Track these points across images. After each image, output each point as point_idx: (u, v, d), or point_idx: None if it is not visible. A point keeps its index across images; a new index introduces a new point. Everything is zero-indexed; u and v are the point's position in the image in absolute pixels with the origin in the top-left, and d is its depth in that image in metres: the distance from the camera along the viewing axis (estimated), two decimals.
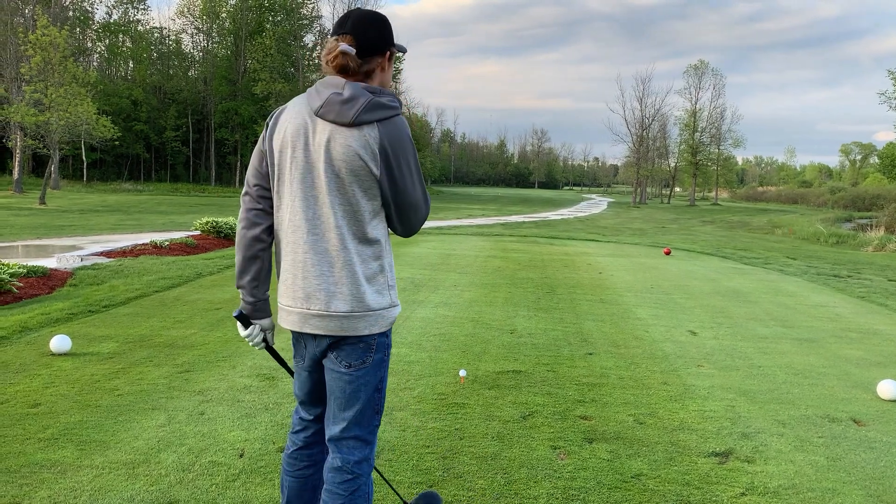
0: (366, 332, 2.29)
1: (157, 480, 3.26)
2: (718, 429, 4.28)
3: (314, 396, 2.50)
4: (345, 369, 2.33)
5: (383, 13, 2.34)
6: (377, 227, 2.29)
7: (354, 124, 2.18)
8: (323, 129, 2.21)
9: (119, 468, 3.38)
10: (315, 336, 2.32)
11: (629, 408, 4.62)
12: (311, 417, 2.54)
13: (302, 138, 2.25)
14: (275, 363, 4.94)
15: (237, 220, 2.48)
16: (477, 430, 4.10)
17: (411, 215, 2.35)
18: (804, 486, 3.51)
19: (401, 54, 2.43)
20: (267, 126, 2.37)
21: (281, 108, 2.39)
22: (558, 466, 3.61)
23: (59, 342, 5.37)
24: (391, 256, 2.38)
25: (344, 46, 2.23)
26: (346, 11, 2.36)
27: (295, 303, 2.31)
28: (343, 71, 2.26)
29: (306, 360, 2.43)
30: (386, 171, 2.22)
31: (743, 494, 3.37)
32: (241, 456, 3.58)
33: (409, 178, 2.28)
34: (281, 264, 2.37)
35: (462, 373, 5.07)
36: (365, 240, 2.27)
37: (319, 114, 2.22)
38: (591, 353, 6.07)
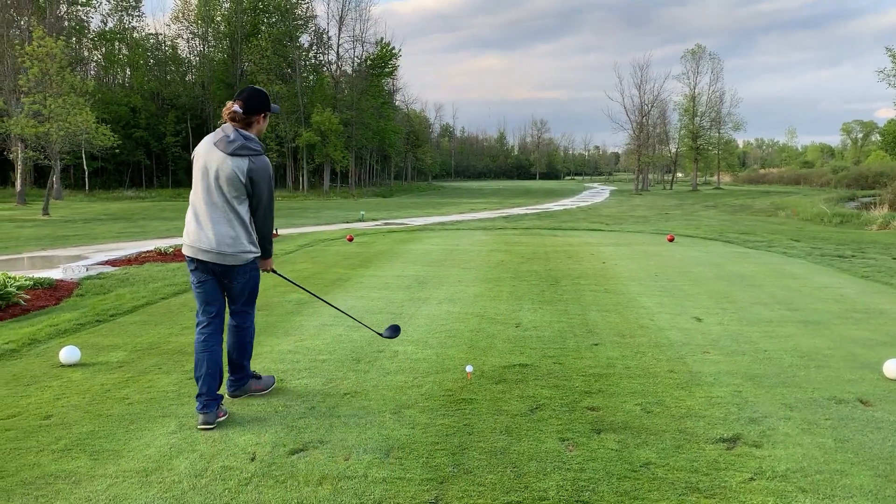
0: (241, 263, 4.24)
1: (171, 487, 3.30)
2: (726, 415, 4.30)
3: (213, 298, 4.31)
4: (235, 282, 4.33)
5: (265, 90, 4.28)
6: (242, 208, 4.20)
7: (232, 155, 4.11)
8: (216, 154, 4.14)
9: (132, 476, 3.41)
10: (217, 263, 4.19)
11: (636, 397, 4.64)
12: (214, 313, 4.31)
13: (204, 158, 4.18)
14: (280, 361, 5.03)
15: None
16: (485, 424, 4.13)
17: (259, 209, 4.25)
18: (812, 468, 3.53)
19: (274, 113, 4.35)
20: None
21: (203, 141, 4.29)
22: (567, 458, 3.64)
23: (69, 353, 5.41)
24: (250, 225, 4.26)
25: (235, 107, 4.17)
26: (239, 90, 4.46)
27: (209, 245, 4.16)
28: (232, 119, 4.19)
29: (208, 277, 4.26)
30: (250, 184, 4.16)
31: (751, 479, 3.39)
32: (252, 459, 3.62)
33: (261, 189, 4.20)
34: (194, 223, 4.20)
35: (469, 368, 5.10)
36: (237, 215, 4.18)
37: (215, 145, 4.16)
38: (596, 344, 6.09)
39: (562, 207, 39.63)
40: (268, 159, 4.24)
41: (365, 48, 65.74)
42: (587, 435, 3.97)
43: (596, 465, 3.54)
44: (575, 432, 4.01)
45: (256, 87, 4.25)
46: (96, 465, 3.55)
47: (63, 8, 51.10)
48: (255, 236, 4.30)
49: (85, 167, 52.02)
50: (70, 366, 5.38)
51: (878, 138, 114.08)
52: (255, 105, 4.18)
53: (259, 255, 4.37)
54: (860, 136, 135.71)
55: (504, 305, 7.91)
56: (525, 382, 4.96)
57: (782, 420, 4.22)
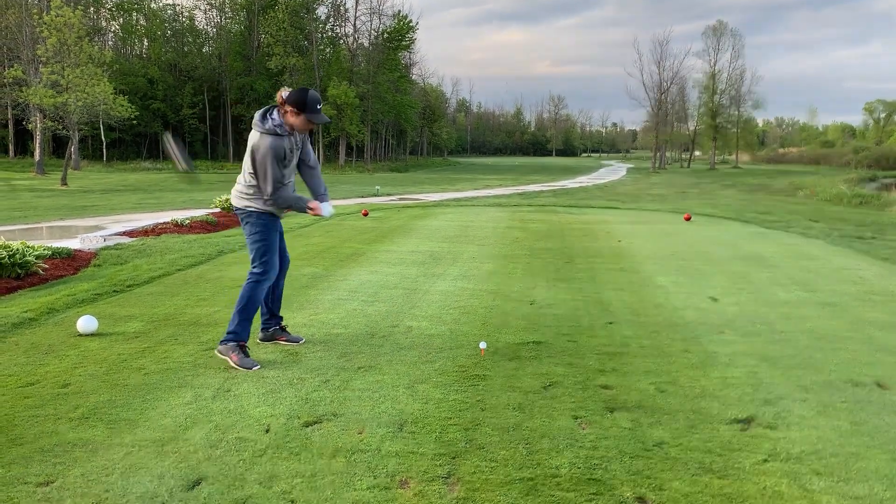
0: (238, 206, 4.90)
1: (186, 457, 3.33)
2: (740, 395, 4.28)
3: None
4: (243, 229, 5.03)
5: (307, 90, 4.68)
6: (251, 174, 4.75)
7: (253, 126, 4.76)
8: None
9: (148, 446, 3.45)
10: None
11: (650, 376, 4.62)
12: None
13: None
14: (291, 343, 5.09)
15: None
16: (498, 401, 4.14)
17: (259, 177, 4.70)
18: (827, 451, 3.50)
19: (310, 118, 4.68)
20: None
21: None
22: (580, 436, 3.64)
23: (86, 323, 5.46)
24: (256, 187, 4.76)
25: (282, 95, 4.71)
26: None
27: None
28: (280, 102, 4.73)
29: None
30: (252, 155, 4.68)
31: (765, 461, 3.37)
32: (266, 431, 3.64)
33: (259, 162, 4.65)
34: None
35: (482, 345, 5.10)
36: (247, 172, 4.77)
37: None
38: (611, 323, 6.07)
39: (578, 185, 39.37)
40: (272, 141, 4.61)
41: (382, 21, 65.29)
42: (600, 413, 3.96)
43: (608, 444, 3.54)
44: (588, 410, 4.00)
45: (309, 88, 4.78)
46: (113, 433, 3.60)
47: None
48: (258, 193, 4.77)
49: (103, 138, 52.28)
50: (87, 335, 5.43)
51: None
52: (290, 97, 4.67)
53: (253, 211, 4.82)
54: (883, 115, 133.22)
55: (518, 283, 7.89)
56: (539, 360, 4.96)
57: (797, 402, 4.19)
